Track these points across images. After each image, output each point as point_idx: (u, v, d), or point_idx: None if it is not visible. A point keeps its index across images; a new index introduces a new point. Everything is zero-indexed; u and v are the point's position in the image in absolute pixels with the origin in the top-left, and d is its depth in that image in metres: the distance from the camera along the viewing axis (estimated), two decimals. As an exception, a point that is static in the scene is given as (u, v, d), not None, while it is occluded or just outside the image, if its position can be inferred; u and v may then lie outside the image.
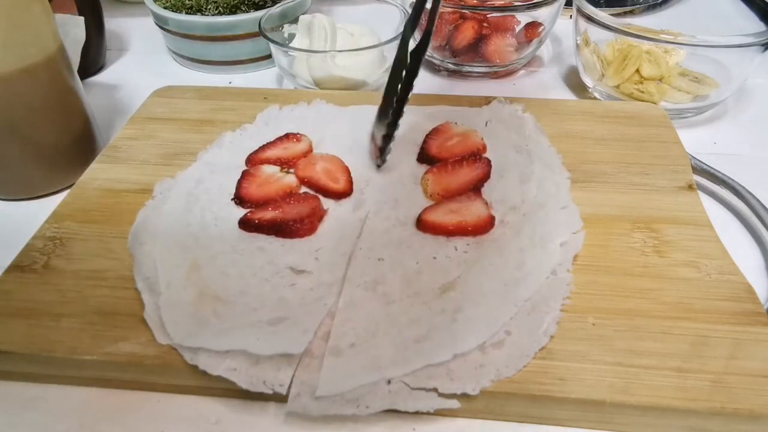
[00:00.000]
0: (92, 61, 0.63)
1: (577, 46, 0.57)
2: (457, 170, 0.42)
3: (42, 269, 0.36)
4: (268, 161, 0.44)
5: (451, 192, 0.40)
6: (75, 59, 0.53)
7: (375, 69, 0.56)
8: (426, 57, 0.63)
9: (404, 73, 0.41)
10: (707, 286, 0.34)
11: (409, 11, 0.58)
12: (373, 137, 0.42)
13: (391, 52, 0.57)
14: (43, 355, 0.32)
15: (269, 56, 0.63)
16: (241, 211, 0.40)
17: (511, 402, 0.30)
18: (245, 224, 0.39)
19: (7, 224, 0.44)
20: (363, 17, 0.60)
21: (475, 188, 0.41)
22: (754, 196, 0.43)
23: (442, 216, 0.38)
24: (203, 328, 0.32)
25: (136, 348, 0.32)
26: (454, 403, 0.29)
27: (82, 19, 0.58)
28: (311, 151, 0.45)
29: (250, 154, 0.45)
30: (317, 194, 0.41)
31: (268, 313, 0.33)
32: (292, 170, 0.43)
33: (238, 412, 0.31)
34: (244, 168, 0.44)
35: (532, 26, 0.59)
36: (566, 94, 0.60)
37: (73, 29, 0.57)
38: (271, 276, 0.35)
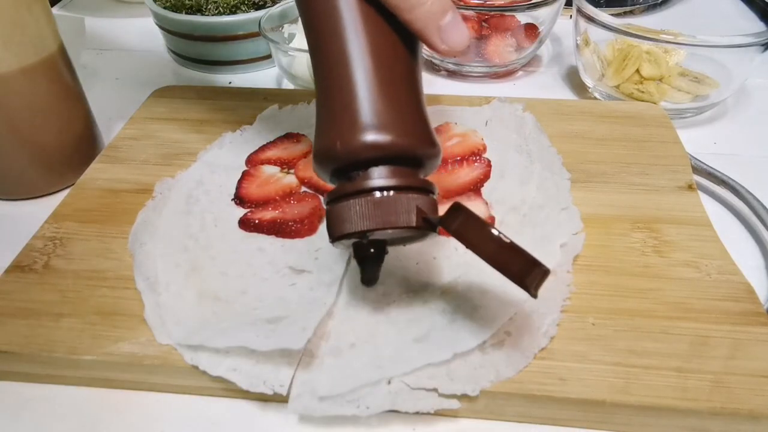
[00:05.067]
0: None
1: (577, 46, 0.57)
2: (457, 170, 0.42)
3: (42, 269, 0.36)
4: (269, 161, 0.44)
5: (451, 192, 0.40)
6: (75, 59, 0.53)
7: (375, 69, 0.56)
8: (426, 57, 0.63)
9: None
10: (707, 286, 0.34)
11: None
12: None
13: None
14: (43, 355, 0.32)
15: (269, 56, 0.63)
16: (241, 212, 0.40)
17: (511, 402, 0.30)
18: (245, 224, 0.39)
19: (7, 224, 0.44)
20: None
21: (475, 188, 0.41)
22: (754, 196, 0.43)
23: (442, 216, 0.38)
24: (203, 327, 0.32)
25: (136, 348, 0.32)
26: (454, 404, 0.29)
27: (82, 18, 0.58)
28: (311, 151, 0.45)
29: (250, 155, 0.45)
30: (317, 194, 0.41)
31: (268, 312, 0.33)
32: (292, 171, 0.43)
33: (238, 412, 0.31)
34: (244, 168, 0.44)
35: (532, 26, 0.59)
36: (566, 94, 0.60)
37: (73, 29, 0.57)
38: (270, 276, 0.35)
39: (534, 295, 0.26)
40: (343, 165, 0.28)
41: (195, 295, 0.34)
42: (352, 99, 0.28)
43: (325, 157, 0.29)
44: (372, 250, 0.30)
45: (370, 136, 0.27)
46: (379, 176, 0.28)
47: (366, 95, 0.28)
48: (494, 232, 0.26)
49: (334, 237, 0.29)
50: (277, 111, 0.50)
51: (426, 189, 0.29)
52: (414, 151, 0.28)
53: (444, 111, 0.49)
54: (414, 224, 0.28)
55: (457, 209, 0.28)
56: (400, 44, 0.29)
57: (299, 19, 0.58)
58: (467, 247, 0.27)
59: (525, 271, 0.26)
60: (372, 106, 0.28)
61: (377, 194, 0.28)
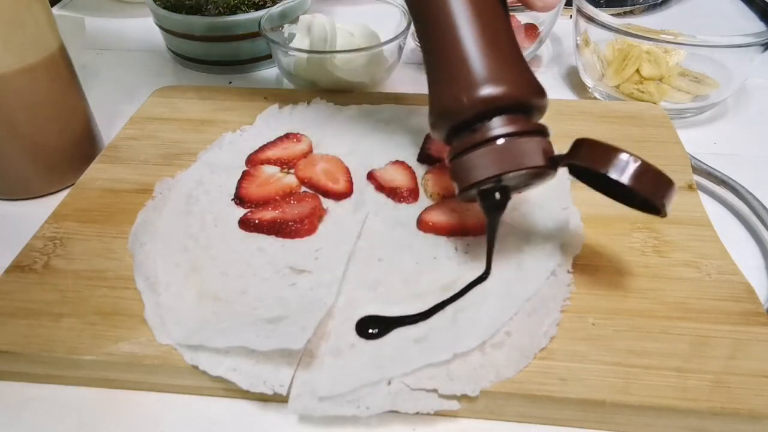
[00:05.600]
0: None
1: (577, 46, 0.57)
2: (457, 170, 0.42)
3: (42, 269, 0.36)
4: (269, 161, 0.44)
5: (451, 192, 0.40)
6: (75, 59, 0.53)
7: (375, 69, 0.56)
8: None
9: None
10: (707, 286, 0.34)
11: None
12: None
13: (391, 52, 0.57)
14: (43, 355, 0.32)
15: (269, 56, 0.63)
16: (241, 212, 0.40)
17: (511, 402, 0.30)
18: (245, 224, 0.39)
19: (7, 224, 0.44)
20: (363, 17, 0.60)
21: (475, 188, 0.41)
22: (754, 196, 0.43)
23: (442, 216, 0.38)
24: (203, 327, 0.32)
25: (136, 348, 0.32)
26: (453, 404, 0.29)
27: (82, 18, 0.58)
28: (311, 151, 0.45)
29: (250, 155, 0.45)
30: (317, 194, 0.41)
31: (268, 312, 0.33)
32: (292, 171, 0.43)
33: (238, 412, 0.31)
34: (244, 168, 0.44)
35: (532, 26, 0.59)
36: (566, 94, 0.60)
37: (73, 29, 0.57)
38: (270, 276, 0.35)
39: (665, 214, 0.29)
40: (467, 117, 0.31)
41: (195, 295, 0.34)
42: (466, 58, 0.30)
43: (449, 112, 0.31)
44: (498, 196, 0.32)
45: (489, 89, 0.30)
46: (501, 125, 0.30)
47: (478, 54, 0.30)
48: (624, 154, 0.28)
49: (466, 185, 0.31)
50: (277, 111, 0.50)
51: (544, 131, 0.31)
52: (528, 99, 0.31)
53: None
54: (542, 163, 0.30)
55: (580, 142, 0.30)
56: (498, 6, 0.32)
57: (299, 18, 0.58)
58: (597, 173, 0.29)
59: (659, 188, 0.28)
60: (485, 62, 0.30)
61: (503, 140, 0.30)
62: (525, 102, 0.31)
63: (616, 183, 0.28)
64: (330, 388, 0.29)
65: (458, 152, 0.31)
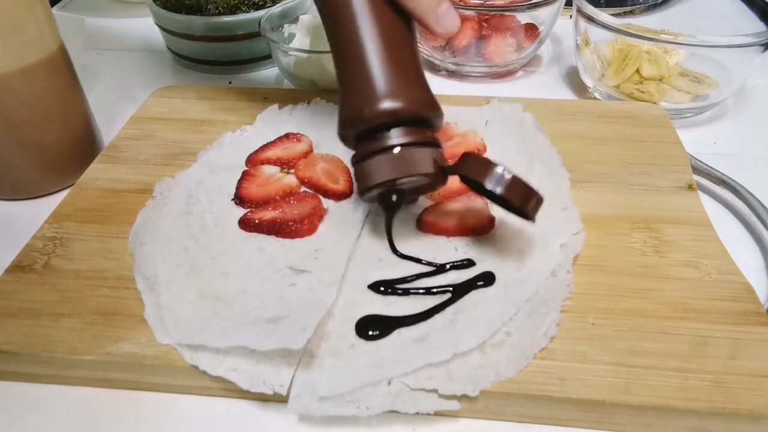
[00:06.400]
0: None
1: (577, 46, 0.57)
2: (457, 170, 0.42)
3: (42, 269, 0.36)
4: (269, 161, 0.44)
5: (451, 192, 0.40)
6: (75, 59, 0.54)
7: (375, 69, 0.56)
8: (426, 57, 0.63)
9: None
10: (707, 286, 0.34)
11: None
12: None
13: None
14: (43, 355, 0.32)
15: (269, 56, 0.63)
16: (241, 212, 0.40)
17: (511, 402, 0.30)
18: (245, 224, 0.39)
19: (7, 224, 0.44)
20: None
21: (475, 188, 0.41)
22: (754, 196, 0.43)
23: (443, 216, 0.38)
24: (203, 327, 0.32)
25: (136, 348, 0.32)
26: (453, 404, 0.29)
27: (82, 18, 0.58)
28: (311, 151, 0.45)
29: (250, 155, 0.45)
30: (317, 194, 0.41)
31: (268, 312, 0.33)
32: (292, 171, 0.43)
33: (238, 412, 0.31)
34: (244, 168, 0.44)
35: (532, 26, 0.59)
36: (566, 94, 0.60)
37: (73, 29, 0.57)
38: (270, 276, 0.35)
39: (532, 220, 0.33)
40: (368, 127, 0.34)
41: (195, 295, 0.34)
42: (371, 74, 0.33)
43: (353, 122, 0.34)
44: (395, 198, 0.36)
45: (389, 103, 0.33)
46: (398, 135, 0.34)
47: (381, 71, 0.33)
48: (499, 168, 0.32)
49: (365, 188, 0.35)
50: (277, 111, 0.50)
51: (436, 143, 0.35)
52: (423, 113, 0.34)
53: (444, 111, 0.49)
54: (432, 171, 0.33)
55: (466, 155, 0.34)
56: (403, 27, 0.35)
57: (299, 18, 0.58)
58: (473, 186, 0.34)
59: (525, 199, 0.32)
60: (387, 79, 0.33)
61: (398, 149, 0.33)
62: (420, 115, 0.34)
63: (492, 192, 0.32)
64: (330, 388, 0.29)
65: (360, 158, 0.34)
